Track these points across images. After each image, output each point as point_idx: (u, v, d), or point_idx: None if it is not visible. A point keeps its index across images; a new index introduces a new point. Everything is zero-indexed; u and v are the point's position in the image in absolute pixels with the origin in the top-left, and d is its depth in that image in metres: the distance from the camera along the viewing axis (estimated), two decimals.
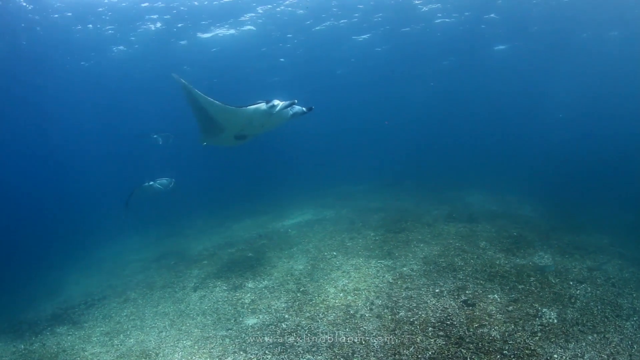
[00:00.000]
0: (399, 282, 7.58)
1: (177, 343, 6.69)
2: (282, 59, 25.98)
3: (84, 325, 8.41)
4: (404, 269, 8.19)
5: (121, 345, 7.15)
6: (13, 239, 21.53)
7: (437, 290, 7.12)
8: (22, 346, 8.03)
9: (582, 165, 23.94)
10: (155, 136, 18.40)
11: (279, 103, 7.19)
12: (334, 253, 9.58)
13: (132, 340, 7.25)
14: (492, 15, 21.24)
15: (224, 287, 8.64)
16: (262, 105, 7.19)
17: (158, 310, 8.25)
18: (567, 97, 34.38)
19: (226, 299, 8.04)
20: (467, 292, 6.98)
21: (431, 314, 6.34)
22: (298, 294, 7.66)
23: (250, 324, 6.85)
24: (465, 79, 32.33)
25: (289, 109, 7.23)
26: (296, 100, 7.22)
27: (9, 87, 21.49)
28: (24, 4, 15.25)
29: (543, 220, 11.86)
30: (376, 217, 12.56)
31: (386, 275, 7.96)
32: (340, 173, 27.13)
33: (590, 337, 5.61)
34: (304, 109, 7.26)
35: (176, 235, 15.23)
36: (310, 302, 7.23)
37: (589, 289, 7.05)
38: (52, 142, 32.56)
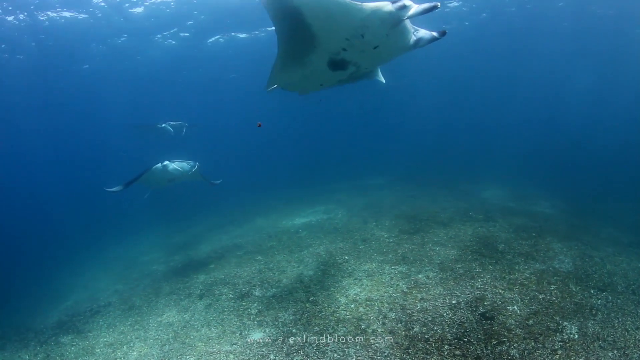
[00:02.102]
0: (413, 292, 7.17)
1: (180, 358, 6.39)
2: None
3: (88, 335, 8.20)
4: (419, 276, 7.77)
5: (123, 358, 6.89)
6: (25, 239, 21.58)
7: (454, 302, 6.70)
8: (27, 357, 7.90)
9: (600, 157, 23.32)
10: (163, 125, 16.54)
11: (412, 4, 4.82)
12: (346, 257, 9.19)
13: (135, 353, 6.98)
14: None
15: (231, 295, 8.31)
16: (387, 5, 4.81)
17: (162, 320, 7.96)
18: (588, 87, 33.58)
19: (232, 309, 7.71)
20: (485, 303, 6.56)
21: (447, 330, 5.94)
22: (307, 305, 7.30)
23: (255, 339, 6.51)
24: (480, 66, 31.64)
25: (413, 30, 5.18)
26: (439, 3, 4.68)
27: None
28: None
29: (562, 217, 11.40)
30: (390, 215, 12.11)
31: (400, 284, 7.54)
32: (354, 166, 26.75)
33: (610, 354, 5.23)
34: (434, 34, 5.12)
35: (185, 233, 15.01)
36: (320, 314, 6.87)
37: (609, 297, 6.64)
38: (60, 138, 32.60)
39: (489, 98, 39.43)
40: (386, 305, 6.84)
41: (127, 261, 13.31)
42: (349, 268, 8.58)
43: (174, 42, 22.25)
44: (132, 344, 7.34)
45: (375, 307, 6.81)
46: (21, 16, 16.61)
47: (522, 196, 14.05)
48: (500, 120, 42.19)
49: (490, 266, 7.87)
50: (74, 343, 7.97)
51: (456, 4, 20.79)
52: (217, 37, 23.06)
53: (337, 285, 7.89)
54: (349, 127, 45.50)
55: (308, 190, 18.98)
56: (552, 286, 6.98)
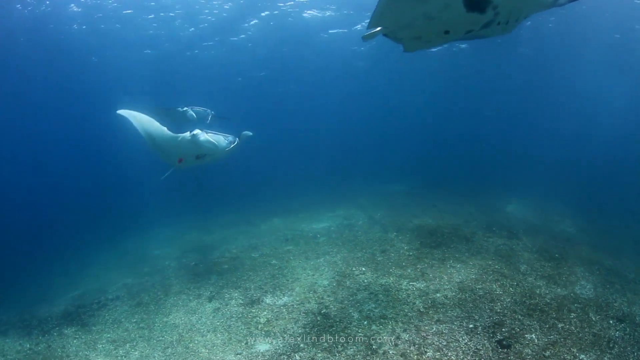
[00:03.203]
0: (430, 312, 6.74)
1: None
2: None
3: (92, 328, 8.00)
4: (437, 295, 7.33)
5: (125, 357, 6.68)
6: (43, 225, 21.72)
7: (470, 326, 6.26)
8: (28, 345, 7.74)
9: (626, 174, 22.56)
10: (184, 109, 15.71)
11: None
12: (363, 269, 8.78)
13: (136, 353, 6.74)
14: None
15: (240, 301, 7.99)
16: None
17: (168, 320, 7.70)
18: (624, 103, 32.52)
19: (240, 315, 7.39)
20: (503, 329, 6.12)
21: (462, 357, 5.54)
22: (318, 317, 6.93)
23: (261, 351, 6.18)
24: (507, 72, 30.87)
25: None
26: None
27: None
28: None
29: (584, 237, 11.00)
30: (411, 225, 11.63)
31: (417, 302, 7.12)
32: (377, 171, 26.33)
33: None
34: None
35: (201, 229, 14.73)
36: (330, 329, 6.49)
37: (627, 329, 6.33)
38: (79, 128, 32.84)
39: (518, 108, 38.50)
40: (400, 324, 6.44)
41: (140, 254, 13.11)
42: (365, 281, 8.18)
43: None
44: (135, 343, 7.10)
45: (389, 326, 6.42)
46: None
47: (545, 212, 13.62)
48: (528, 131, 41.19)
49: (511, 289, 7.45)
50: (77, 336, 7.78)
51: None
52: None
53: (351, 298, 7.52)
54: (371, 130, 44.99)
55: (330, 192, 18.59)
56: (572, 314, 6.63)
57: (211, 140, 8.61)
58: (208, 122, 16.00)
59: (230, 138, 8.93)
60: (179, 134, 8.39)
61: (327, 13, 20.29)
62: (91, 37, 19.97)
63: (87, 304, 9.35)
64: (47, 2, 16.48)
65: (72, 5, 17.07)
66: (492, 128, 42.37)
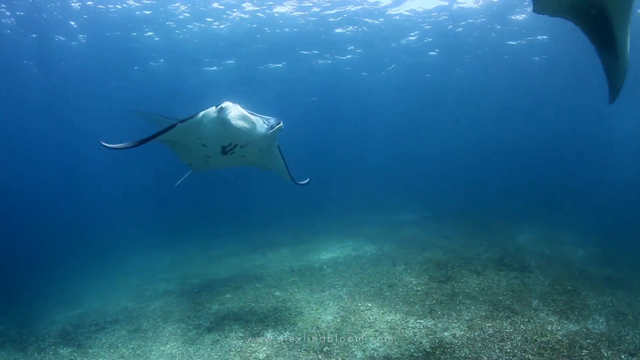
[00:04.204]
0: (437, 352, 6.45)
1: None
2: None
3: (88, 351, 7.87)
4: (446, 333, 7.04)
5: None
6: (51, 239, 21.76)
7: None
8: None
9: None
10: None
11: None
12: (369, 304, 8.52)
13: None
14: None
15: (240, 334, 7.75)
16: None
17: (165, 350, 7.48)
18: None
19: (239, 350, 7.14)
20: None
21: None
22: (320, 356, 6.67)
23: None
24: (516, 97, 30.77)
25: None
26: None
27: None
28: None
29: (597, 268, 10.64)
30: (420, 258, 11.38)
31: (424, 342, 6.83)
32: (388, 200, 26.09)
33: None
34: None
35: (207, 254, 14.64)
36: None
37: None
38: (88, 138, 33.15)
39: (525, 133, 38.28)
40: None
41: (144, 276, 13.03)
42: (372, 317, 7.92)
43: None
44: None
45: None
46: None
47: (557, 241, 13.32)
48: (537, 156, 40.87)
49: (522, 326, 7.15)
50: (72, 357, 7.69)
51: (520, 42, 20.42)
52: None
53: (355, 335, 7.25)
54: (386, 160, 44.96)
55: (340, 222, 18.37)
56: (584, 351, 6.33)
57: (248, 117, 5.88)
58: None
59: (272, 121, 6.12)
60: (199, 112, 6.11)
61: None
62: None
63: (85, 324, 9.28)
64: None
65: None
66: (506, 155, 42.17)
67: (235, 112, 5.76)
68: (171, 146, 7.06)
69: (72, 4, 16.17)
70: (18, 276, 14.48)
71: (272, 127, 6.01)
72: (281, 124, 6.09)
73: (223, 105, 5.76)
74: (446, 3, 17.89)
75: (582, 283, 9.21)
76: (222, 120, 5.80)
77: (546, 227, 15.03)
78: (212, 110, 5.88)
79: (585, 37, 5.36)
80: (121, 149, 5.83)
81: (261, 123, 6.04)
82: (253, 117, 5.88)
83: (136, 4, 16.57)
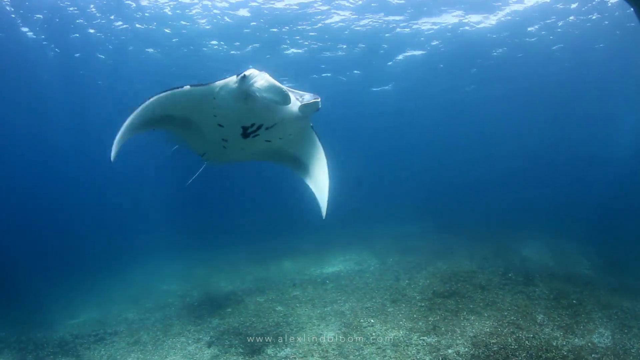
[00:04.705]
0: None
1: None
2: None
3: None
4: (449, 351, 6.92)
5: None
6: (57, 247, 21.75)
7: None
8: None
9: None
10: None
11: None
12: (372, 321, 8.41)
13: None
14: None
15: (240, 349, 7.67)
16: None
17: None
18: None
19: None
20: None
21: None
22: None
23: None
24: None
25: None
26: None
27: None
28: None
29: (602, 279, 10.57)
30: (425, 272, 11.26)
31: (427, 359, 6.72)
32: (392, 211, 26.00)
33: None
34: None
35: (210, 265, 14.63)
36: None
37: None
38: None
39: (528, 144, 38.24)
40: None
41: (145, 287, 13.00)
42: (374, 334, 7.80)
43: None
44: None
45: None
46: None
47: (562, 253, 13.22)
48: (542, 167, 40.78)
49: (527, 342, 7.01)
50: None
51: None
52: None
53: (357, 353, 7.13)
54: (393, 171, 44.92)
55: (344, 235, 18.27)
56: None
57: (278, 88, 4.37)
58: None
59: (308, 96, 4.78)
60: (218, 81, 4.80)
61: None
62: None
63: (85, 334, 9.24)
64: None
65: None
66: (508, 166, 42.13)
67: (262, 81, 4.39)
68: (182, 134, 5.65)
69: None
70: (19, 282, 14.46)
71: (307, 104, 4.75)
72: (319, 99, 4.73)
73: (247, 72, 4.47)
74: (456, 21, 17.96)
75: (587, 296, 9.10)
76: (244, 92, 4.55)
77: (550, 236, 14.95)
78: (232, 80, 4.66)
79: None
80: (121, 141, 4.60)
81: (294, 99, 4.72)
82: (285, 89, 4.41)
83: None
